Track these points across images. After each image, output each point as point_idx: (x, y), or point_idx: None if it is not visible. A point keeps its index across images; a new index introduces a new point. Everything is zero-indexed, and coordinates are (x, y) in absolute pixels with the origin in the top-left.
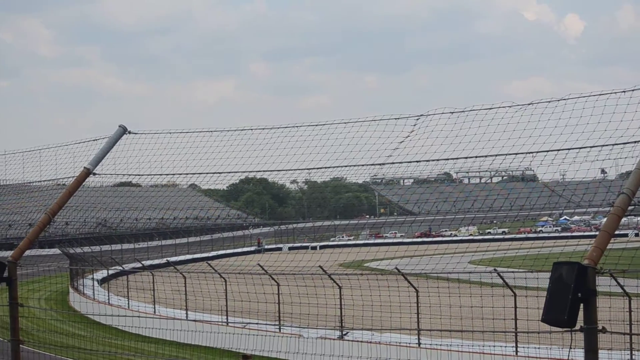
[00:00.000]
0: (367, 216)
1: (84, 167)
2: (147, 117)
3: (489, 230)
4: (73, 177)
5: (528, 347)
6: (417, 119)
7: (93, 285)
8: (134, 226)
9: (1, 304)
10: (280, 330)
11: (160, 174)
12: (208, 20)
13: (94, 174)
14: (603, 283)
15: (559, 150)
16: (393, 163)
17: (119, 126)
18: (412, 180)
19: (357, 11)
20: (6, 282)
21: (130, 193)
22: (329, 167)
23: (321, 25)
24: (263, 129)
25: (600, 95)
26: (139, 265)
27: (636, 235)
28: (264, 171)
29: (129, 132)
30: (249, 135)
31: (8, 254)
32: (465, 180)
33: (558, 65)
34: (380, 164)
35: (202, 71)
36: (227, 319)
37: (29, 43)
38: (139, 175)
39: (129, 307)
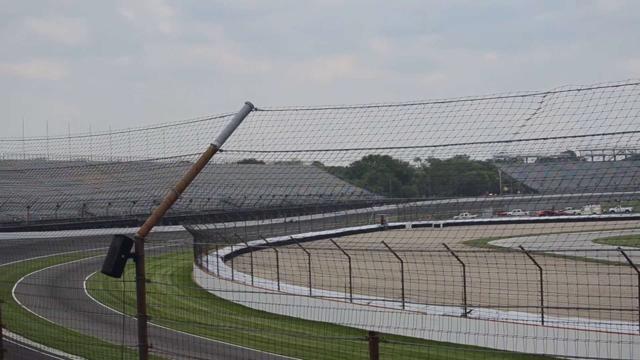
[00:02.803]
0: (491, 194)
1: (211, 144)
2: (267, 94)
3: (612, 209)
4: (197, 154)
5: None
6: (544, 97)
7: (217, 262)
8: (257, 203)
9: (127, 279)
10: (404, 308)
11: (286, 151)
12: None
13: (221, 150)
14: None
15: None
16: (520, 140)
17: (246, 103)
18: (535, 159)
19: None
20: (133, 258)
21: (253, 170)
22: (455, 145)
23: (441, 1)
24: (390, 106)
25: None
26: (262, 242)
27: None
28: (387, 148)
29: (255, 109)
30: (375, 112)
31: (132, 230)
32: (589, 159)
33: None
34: (507, 141)
35: (321, 48)
36: (351, 296)
37: (151, 20)
38: (264, 152)
39: (252, 283)
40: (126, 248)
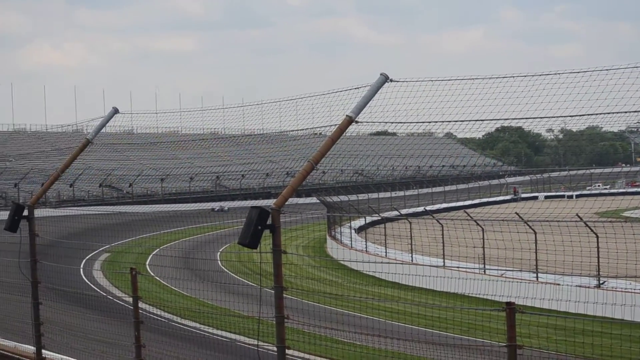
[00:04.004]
0: (623, 165)
1: (346, 115)
2: (397, 67)
3: None
4: (330, 125)
5: None
6: None
7: (350, 234)
8: (390, 175)
9: (263, 251)
10: (537, 279)
11: (420, 122)
12: None
13: (356, 122)
14: None
15: None
16: None
17: (381, 74)
18: None
19: None
20: (269, 229)
21: (386, 141)
22: (590, 115)
23: None
24: (525, 76)
25: None
26: (396, 213)
27: None
28: (520, 119)
29: (390, 81)
30: (511, 82)
31: (265, 202)
32: None
33: None
34: None
35: (451, 20)
36: (484, 267)
37: None
38: (399, 122)
39: (386, 255)
40: (263, 219)
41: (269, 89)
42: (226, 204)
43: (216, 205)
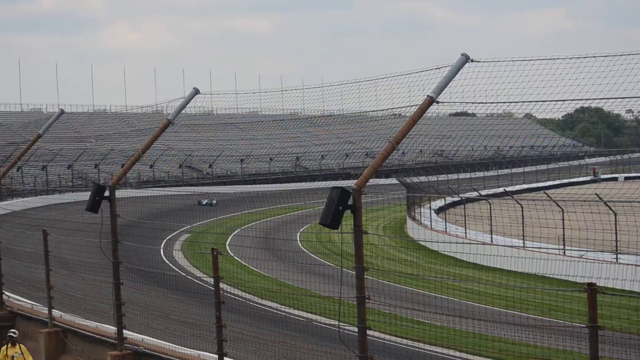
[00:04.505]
0: None
1: (427, 96)
2: (477, 47)
3: None
4: (409, 106)
5: None
6: None
7: (430, 214)
8: (470, 155)
9: (340, 231)
10: (617, 260)
11: (501, 102)
12: None
13: (437, 102)
14: None
15: None
16: None
17: (461, 55)
18: None
19: None
20: (351, 210)
21: (465, 122)
22: None
23: None
24: (606, 56)
25: None
26: (476, 194)
27: None
28: (600, 99)
29: (471, 61)
30: (592, 62)
31: (344, 183)
32: None
33: None
34: None
35: (531, 0)
36: (564, 248)
37: None
38: (480, 103)
39: (466, 236)
40: (344, 200)
41: (349, 70)
42: (305, 185)
43: (204, 198)
